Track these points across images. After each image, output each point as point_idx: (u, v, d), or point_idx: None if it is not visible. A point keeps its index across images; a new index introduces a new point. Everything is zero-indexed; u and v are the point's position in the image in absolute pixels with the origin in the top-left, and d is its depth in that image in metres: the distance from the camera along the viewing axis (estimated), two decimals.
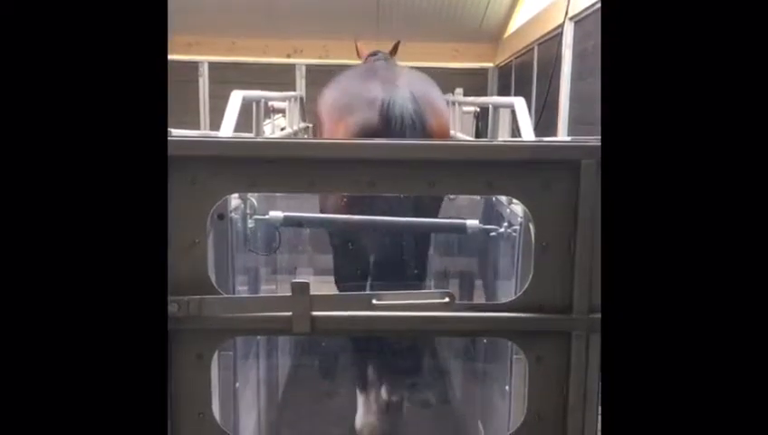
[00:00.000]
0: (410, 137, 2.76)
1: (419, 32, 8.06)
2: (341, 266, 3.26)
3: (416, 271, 2.90)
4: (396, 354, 2.99)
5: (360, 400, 3.18)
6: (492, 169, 1.54)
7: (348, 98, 3.08)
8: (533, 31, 6.70)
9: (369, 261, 3.00)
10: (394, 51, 4.61)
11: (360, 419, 3.16)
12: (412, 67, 3.74)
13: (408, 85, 2.96)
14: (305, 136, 4.68)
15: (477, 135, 5.92)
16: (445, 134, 3.06)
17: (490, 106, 4.23)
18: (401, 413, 3.22)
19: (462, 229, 2.65)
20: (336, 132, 3.02)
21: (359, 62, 4.72)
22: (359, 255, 3.01)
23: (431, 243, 3.35)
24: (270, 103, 4.48)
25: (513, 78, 7.97)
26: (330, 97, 3.24)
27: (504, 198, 2.56)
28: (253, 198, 2.50)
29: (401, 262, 2.84)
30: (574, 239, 1.51)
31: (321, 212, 3.04)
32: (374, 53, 4.38)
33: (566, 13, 5.30)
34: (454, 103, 5.02)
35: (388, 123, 2.79)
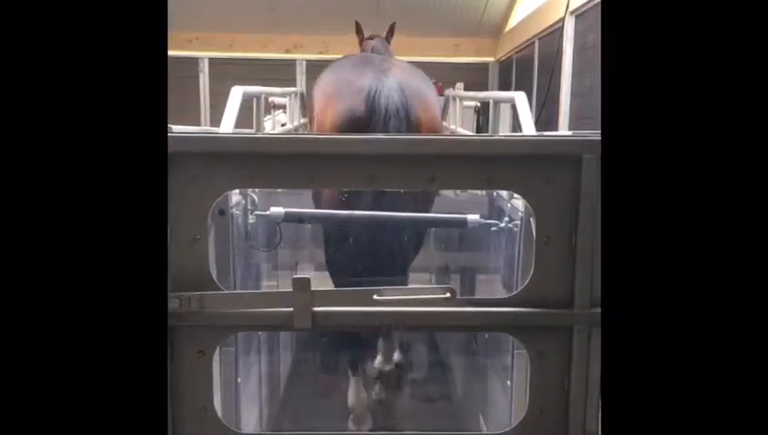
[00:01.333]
0: (395, 127, 2.79)
1: (420, 26, 8.04)
2: (336, 261, 3.28)
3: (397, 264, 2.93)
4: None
5: (352, 379, 3.25)
6: (493, 163, 1.54)
7: (339, 85, 3.11)
8: (534, 25, 6.68)
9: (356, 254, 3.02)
10: (390, 33, 4.64)
11: (353, 396, 3.23)
12: (411, 62, 3.75)
13: (397, 77, 2.97)
14: (306, 132, 4.68)
15: (478, 130, 5.92)
16: (433, 128, 3.07)
17: (491, 101, 4.23)
18: (393, 388, 3.30)
19: (462, 224, 2.65)
20: (324, 118, 3.06)
21: (357, 49, 4.72)
22: (351, 248, 3.03)
23: (423, 236, 3.38)
24: (270, 99, 4.48)
25: (513, 72, 7.95)
26: (323, 82, 3.29)
27: (504, 193, 2.56)
28: (253, 193, 2.50)
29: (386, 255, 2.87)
30: (575, 234, 1.51)
31: (315, 207, 3.06)
32: (371, 37, 4.41)
33: (567, 7, 5.29)
34: (454, 98, 5.02)
35: (372, 112, 2.82)
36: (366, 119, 2.83)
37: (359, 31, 4.66)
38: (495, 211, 2.80)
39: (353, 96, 2.91)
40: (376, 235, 2.87)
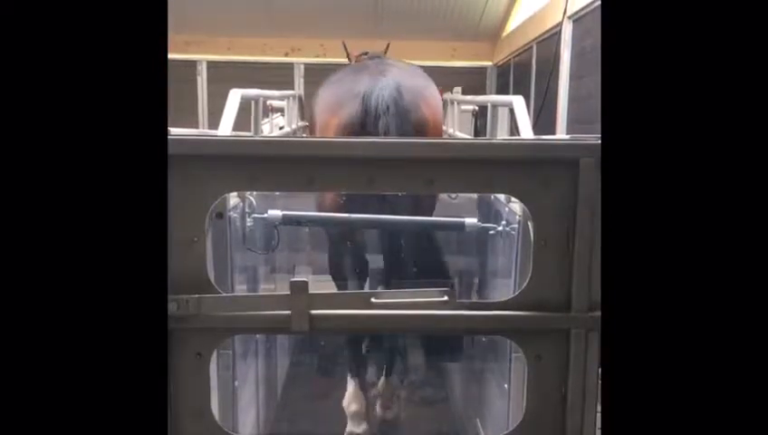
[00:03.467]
0: (384, 125, 2.79)
1: (418, 30, 8.05)
2: (338, 264, 3.29)
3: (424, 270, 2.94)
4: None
5: (349, 382, 3.26)
6: (491, 167, 1.54)
7: (337, 95, 3.12)
8: (532, 29, 6.69)
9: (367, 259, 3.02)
10: (384, 53, 4.62)
11: (348, 399, 3.24)
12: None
13: (393, 76, 2.98)
14: (304, 135, 4.68)
15: (476, 134, 5.92)
16: (433, 123, 3.07)
17: (489, 105, 4.23)
18: (388, 395, 3.31)
19: (460, 227, 2.65)
20: (327, 130, 3.06)
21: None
22: (356, 252, 3.03)
23: (436, 242, 3.39)
24: (268, 102, 4.47)
25: (511, 77, 7.96)
26: (322, 96, 3.29)
27: (502, 197, 2.56)
28: (251, 196, 2.50)
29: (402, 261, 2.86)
30: (573, 237, 1.51)
31: (318, 210, 3.06)
32: (365, 53, 4.40)
33: (564, 11, 5.29)
34: (452, 102, 5.02)
35: (366, 112, 2.83)
36: (361, 121, 2.84)
37: (348, 54, 4.63)
38: (491, 213, 2.80)
39: (350, 102, 2.92)
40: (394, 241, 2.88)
